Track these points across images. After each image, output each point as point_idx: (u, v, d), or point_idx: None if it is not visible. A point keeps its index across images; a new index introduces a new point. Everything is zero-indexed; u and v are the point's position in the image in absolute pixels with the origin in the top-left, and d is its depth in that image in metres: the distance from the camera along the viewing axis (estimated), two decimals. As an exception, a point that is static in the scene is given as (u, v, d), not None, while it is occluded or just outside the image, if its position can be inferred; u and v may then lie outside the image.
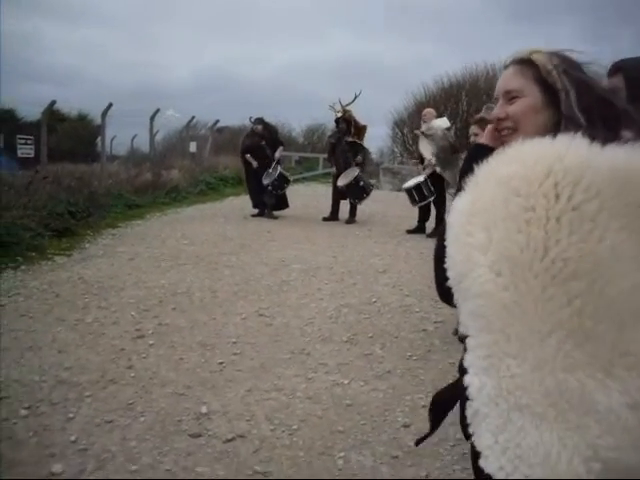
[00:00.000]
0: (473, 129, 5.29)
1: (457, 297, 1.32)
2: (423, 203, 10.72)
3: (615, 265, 1.16)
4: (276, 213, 12.68)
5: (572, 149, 1.22)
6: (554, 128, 1.48)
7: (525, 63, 1.56)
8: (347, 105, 12.20)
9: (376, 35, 69.67)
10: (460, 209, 1.34)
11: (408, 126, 28.87)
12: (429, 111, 10.94)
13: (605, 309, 1.16)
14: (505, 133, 1.58)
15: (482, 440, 1.25)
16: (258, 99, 45.49)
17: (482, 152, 1.51)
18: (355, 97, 12.28)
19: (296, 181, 20.75)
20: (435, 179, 10.53)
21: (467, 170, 1.39)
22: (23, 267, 7.57)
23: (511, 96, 1.58)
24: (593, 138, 1.28)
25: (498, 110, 1.59)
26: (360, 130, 12.31)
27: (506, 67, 1.64)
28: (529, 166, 1.23)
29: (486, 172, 1.32)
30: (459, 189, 1.43)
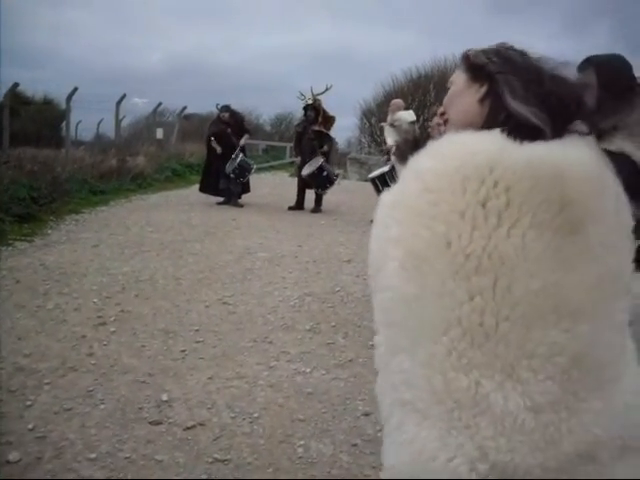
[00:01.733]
0: (436, 119, 5.31)
1: (374, 288, 1.32)
2: (388, 193, 10.74)
3: (523, 263, 1.14)
4: (241, 201, 12.63)
5: (485, 144, 1.20)
6: (480, 105, 1.46)
7: (463, 59, 1.52)
8: (318, 94, 12.18)
9: (354, 25, 69.52)
10: (383, 202, 1.33)
11: (376, 116, 28.97)
12: (396, 102, 10.97)
13: (510, 308, 1.13)
14: (445, 128, 1.59)
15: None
16: (228, 86, 45.21)
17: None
18: (326, 89, 12.27)
19: (263, 170, 20.71)
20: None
21: None
22: (-17, 252, 7.45)
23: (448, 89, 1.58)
24: (517, 118, 1.28)
25: (441, 108, 1.60)
26: (328, 120, 12.30)
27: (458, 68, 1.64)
28: (442, 161, 1.22)
29: (410, 166, 1.31)
30: None
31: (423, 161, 1.27)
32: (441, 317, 1.16)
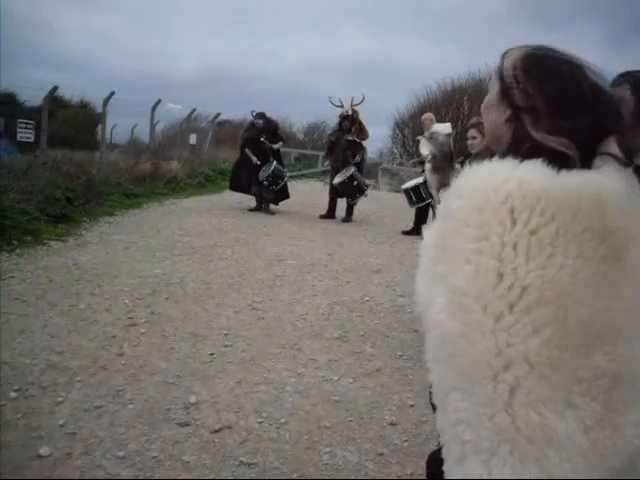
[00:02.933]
0: (471, 132, 5.29)
1: (424, 327, 1.32)
2: (421, 204, 10.69)
3: (575, 292, 1.13)
4: (275, 208, 12.67)
5: (529, 173, 1.18)
6: (506, 125, 1.45)
7: (499, 65, 1.47)
8: (356, 105, 12.20)
9: (391, 35, 69.31)
10: (426, 241, 1.35)
11: (409, 127, 28.97)
12: (427, 116, 10.92)
13: (568, 338, 1.13)
14: (476, 138, 1.57)
15: None
16: (261, 95, 45.37)
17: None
18: (363, 99, 12.28)
19: (295, 178, 20.77)
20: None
21: None
22: (18, 251, 7.57)
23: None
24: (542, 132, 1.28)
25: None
26: (363, 132, 12.30)
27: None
28: (478, 195, 1.20)
29: (443, 206, 1.31)
30: None
31: (453, 200, 1.26)
32: (498, 354, 1.14)
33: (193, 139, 21.52)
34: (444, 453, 1.27)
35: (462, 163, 7.78)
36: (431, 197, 10.43)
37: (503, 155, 1.34)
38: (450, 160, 10.38)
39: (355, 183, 11.97)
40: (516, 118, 1.38)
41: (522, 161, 1.23)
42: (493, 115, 1.47)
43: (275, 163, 12.32)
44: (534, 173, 1.19)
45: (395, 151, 30.85)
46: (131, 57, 65.84)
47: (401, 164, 27.69)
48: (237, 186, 12.89)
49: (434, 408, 1.39)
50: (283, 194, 12.84)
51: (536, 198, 1.15)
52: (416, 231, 11.04)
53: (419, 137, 11.02)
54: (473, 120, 6.18)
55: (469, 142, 5.33)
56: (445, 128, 10.60)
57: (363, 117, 12.41)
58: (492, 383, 1.15)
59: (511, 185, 1.18)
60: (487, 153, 4.78)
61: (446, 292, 1.21)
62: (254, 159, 12.35)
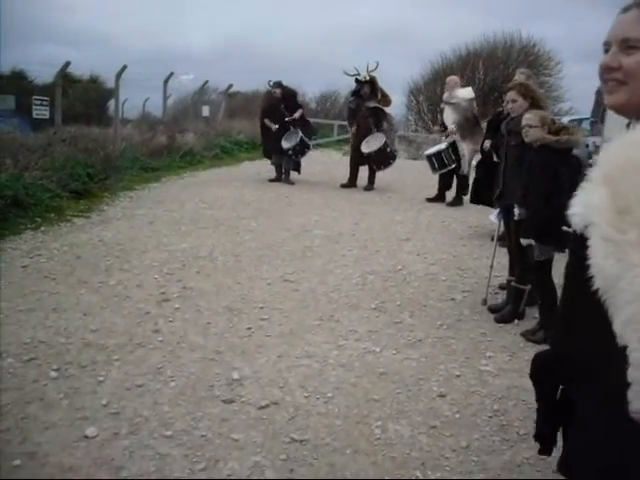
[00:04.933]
0: (511, 95, 5.08)
1: (609, 303, 1.17)
2: (443, 171, 10.51)
3: None
4: (295, 177, 12.49)
5: None
6: None
7: None
8: (372, 71, 11.92)
9: (404, 3, 67.90)
10: (600, 205, 1.19)
11: (424, 94, 28.61)
12: (452, 79, 10.66)
13: None
14: (611, 85, 1.41)
15: None
16: (274, 66, 44.68)
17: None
18: (377, 65, 12.00)
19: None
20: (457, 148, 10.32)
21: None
22: (43, 228, 7.49)
23: (628, 45, 1.38)
24: None
25: (610, 58, 1.40)
26: (385, 97, 12.05)
27: (625, 10, 1.42)
28: None
29: (620, 163, 1.18)
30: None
31: None
32: None
33: (206, 111, 21.29)
34: None
35: (491, 126, 7.61)
36: (454, 163, 10.30)
37: None
38: (476, 124, 10.24)
39: (388, 150, 11.76)
40: None
41: None
42: None
43: (300, 132, 12.10)
44: None
45: (410, 118, 30.47)
46: (140, 31, 65.15)
47: (416, 131, 27.41)
48: (269, 152, 12.69)
49: None
50: (296, 166, 12.65)
51: None
52: (440, 198, 10.91)
53: (442, 104, 10.83)
54: (514, 81, 5.96)
55: (509, 106, 5.12)
56: (467, 93, 10.44)
57: (381, 84, 12.16)
58: None
59: None
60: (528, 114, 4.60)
61: None
62: (274, 127, 12.12)
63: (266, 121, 12.25)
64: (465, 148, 10.12)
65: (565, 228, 3.40)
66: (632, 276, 1.10)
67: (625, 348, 1.14)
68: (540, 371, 1.60)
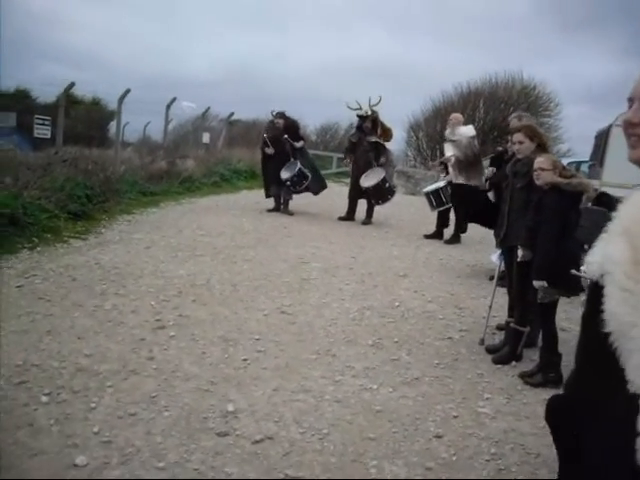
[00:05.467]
0: (518, 137, 5.09)
1: (621, 349, 1.18)
2: (441, 208, 10.54)
3: None
4: (293, 208, 12.45)
5: None
6: None
7: None
8: (374, 105, 11.98)
9: (409, 37, 68.43)
10: (617, 256, 1.21)
11: (424, 130, 28.80)
12: (455, 116, 10.71)
13: None
14: (634, 140, 1.41)
15: None
16: (275, 95, 44.91)
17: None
18: (379, 100, 12.06)
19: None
20: (457, 186, 10.31)
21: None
22: (39, 248, 7.43)
23: None
24: None
25: (632, 114, 1.40)
26: (386, 132, 12.10)
27: None
28: None
29: (636, 217, 1.17)
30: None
31: None
32: None
33: (206, 138, 21.36)
34: None
35: (494, 164, 7.63)
36: (452, 201, 10.31)
37: None
38: (476, 162, 10.28)
39: (387, 185, 11.76)
40: None
41: None
42: None
43: (299, 163, 12.08)
44: None
45: (409, 154, 30.65)
46: (140, 55, 65.57)
47: (414, 166, 27.54)
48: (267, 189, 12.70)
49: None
50: (322, 183, 12.71)
51: None
52: (438, 235, 10.91)
53: (445, 141, 10.86)
54: (521, 123, 5.97)
55: (515, 147, 5.12)
56: (469, 131, 10.49)
57: (384, 119, 12.22)
58: None
59: None
60: (535, 156, 4.62)
61: None
62: (270, 150, 12.07)
63: (265, 143, 12.21)
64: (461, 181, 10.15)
65: (574, 272, 3.39)
66: None
67: (637, 396, 1.13)
68: (554, 413, 1.59)
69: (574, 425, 1.48)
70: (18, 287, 5.89)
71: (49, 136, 13.62)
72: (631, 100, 1.43)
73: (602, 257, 1.28)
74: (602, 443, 1.29)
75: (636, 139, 1.41)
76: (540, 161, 4.66)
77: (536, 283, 4.63)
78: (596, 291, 1.29)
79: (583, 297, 2.22)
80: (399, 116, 31.53)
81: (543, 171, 4.60)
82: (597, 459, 1.32)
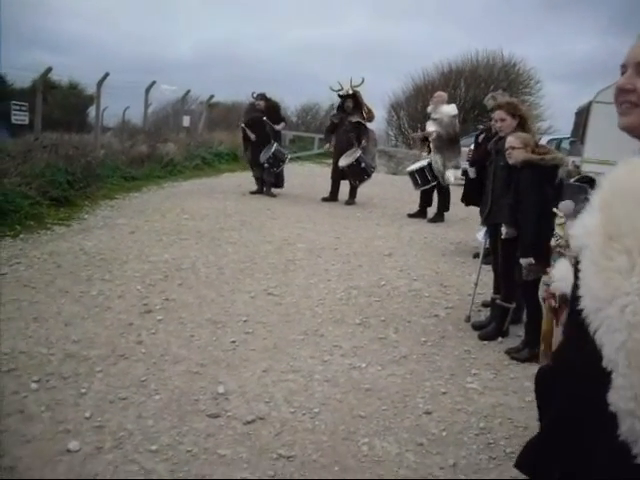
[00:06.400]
0: (499, 114, 5.10)
1: (595, 326, 1.18)
2: (426, 187, 10.56)
3: None
4: (276, 190, 12.45)
5: None
6: None
7: None
8: (356, 86, 11.95)
9: (391, 16, 68.06)
10: (592, 230, 1.21)
11: (405, 110, 28.79)
12: (440, 94, 10.70)
13: None
14: (625, 107, 1.41)
15: None
16: (257, 77, 44.52)
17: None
18: (362, 81, 12.05)
19: (290, 160, 20.60)
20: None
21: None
22: (22, 236, 7.38)
23: None
24: None
25: (625, 80, 1.40)
26: (369, 113, 12.09)
27: None
28: None
29: (618, 188, 1.18)
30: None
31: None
32: None
33: (187, 121, 21.21)
34: None
35: (477, 142, 7.65)
36: (436, 180, 10.35)
37: None
38: (455, 141, 10.32)
39: (362, 165, 11.75)
40: None
41: None
42: None
43: (276, 145, 12.08)
44: None
45: (390, 133, 30.67)
46: (121, 38, 64.71)
47: (396, 146, 27.55)
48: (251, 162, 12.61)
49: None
50: (279, 181, 12.56)
51: None
52: (422, 213, 10.95)
53: (428, 114, 10.86)
54: (499, 101, 5.99)
55: (498, 125, 5.13)
56: (451, 109, 10.52)
57: (366, 99, 12.20)
58: None
59: None
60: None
61: None
62: (252, 136, 12.08)
63: (242, 125, 12.17)
64: (438, 160, 10.20)
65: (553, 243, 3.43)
66: (622, 304, 1.10)
67: (609, 372, 1.15)
68: (539, 383, 1.62)
69: (557, 395, 1.51)
70: (2, 275, 5.86)
71: (27, 122, 13.45)
72: (624, 67, 1.42)
73: (580, 230, 1.29)
74: (578, 422, 1.30)
75: (628, 106, 1.40)
76: (510, 140, 4.69)
77: (523, 261, 4.66)
78: (576, 265, 1.31)
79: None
80: (380, 95, 31.53)
81: (514, 149, 4.63)
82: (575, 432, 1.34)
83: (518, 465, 1.63)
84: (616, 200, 1.17)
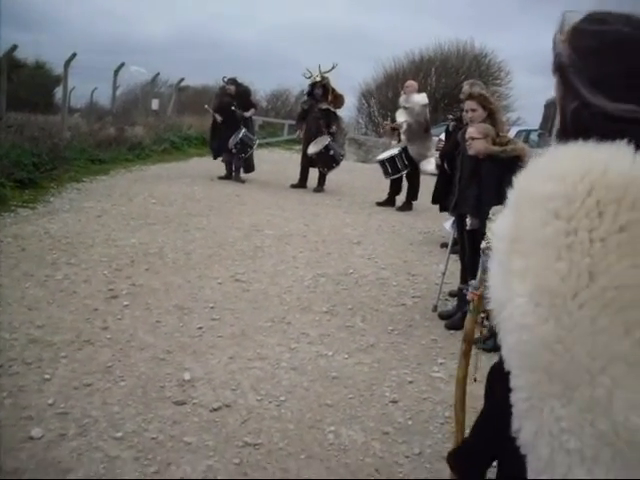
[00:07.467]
0: (470, 104, 5.12)
1: (498, 328, 1.19)
2: (396, 176, 10.57)
3: None
4: (245, 176, 12.39)
5: (615, 161, 1.05)
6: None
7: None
8: (326, 72, 11.92)
9: (364, 3, 67.96)
10: (501, 233, 1.20)
11: (375, 97, 28.79)
12: (411, 83, 10.70)
13: None
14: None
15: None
16: (229, 61, 44.21)
17: None
18: (333, 67, 12.02)
19: (260, 146, 20.52)
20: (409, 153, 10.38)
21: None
22: (-15, 218, 7.26)
23: None
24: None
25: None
26: (337, 99, 12.06)
27: None
28: (569, 183, 1.06)
29: (522, 190, 1.17)
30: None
31: (539, 185, 1.12)
32: (595, 357, 1.04)
33: (155, 104, 20.99)
34: (538, 467, 1.14)
35: (448, 132, 7.68)
36: (406, 168, 10.38)
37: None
38: (426, 130, 10.35)
39: (331, 153, 11.74)
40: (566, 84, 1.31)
41: (601, 140, 1.09)
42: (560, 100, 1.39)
43: (244, 130, 12.00)
44: (618, 158, 1.05)
45: (360, 121, 30.66)
46: (95, 17, 63.57)
47: (366, 134, 27.57)
48: (218, 153, 12.52)
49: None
50: (249, 166, 12.50)
51: (623, 189, 1.02)
52: (390, 202, 10.97)
53: (400, 103, 10.87)
54: (471, 91, 6.01)
55: (468, 115, 5.14)
56: (422, 99, 10.52)
57: (335, 85, 12.17)
58: (589, 388, 1.04)
59: (597, 174, 1.05)
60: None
61: (532, 292, 1.08)
62: (219, 118, 12.00)
63: (207, 107, 12.10)
64: (412, 151, 10.22)
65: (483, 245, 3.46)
66: (514, 306, 1.10)
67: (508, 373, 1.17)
68: (488, 376, 1.65)
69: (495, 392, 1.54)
70: (-35, 257, 5.76)
71: (-9, 102, 13.21)
72: None
73: (493, 232, 1.29)
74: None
75: None
76: (470, 131, 4.71)
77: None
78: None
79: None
80: (351, 83, 31.52)
81: (474, 140, 4.65)
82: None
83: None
84: (520, 201, 1.18)
